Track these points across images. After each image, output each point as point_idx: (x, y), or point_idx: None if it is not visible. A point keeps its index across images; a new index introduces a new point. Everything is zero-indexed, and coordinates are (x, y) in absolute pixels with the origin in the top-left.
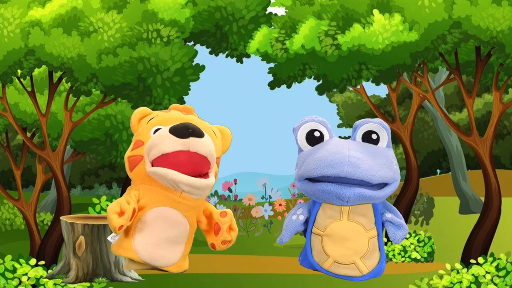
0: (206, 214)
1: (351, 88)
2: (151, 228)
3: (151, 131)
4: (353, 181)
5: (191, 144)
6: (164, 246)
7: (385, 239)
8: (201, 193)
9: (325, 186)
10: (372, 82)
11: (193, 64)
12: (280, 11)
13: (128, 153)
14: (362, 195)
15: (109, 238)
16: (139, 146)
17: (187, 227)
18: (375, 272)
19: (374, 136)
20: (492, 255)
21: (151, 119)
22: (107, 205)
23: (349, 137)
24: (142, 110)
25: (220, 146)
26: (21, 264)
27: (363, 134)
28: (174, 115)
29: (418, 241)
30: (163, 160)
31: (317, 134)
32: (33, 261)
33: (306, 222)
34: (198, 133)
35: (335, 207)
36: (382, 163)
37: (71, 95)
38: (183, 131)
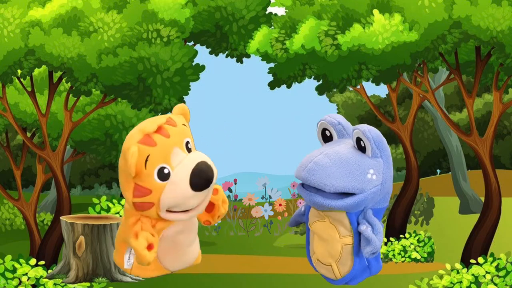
0: None
1: (351, 88)
2: (174, 243)
3: (155, 174)
4: (309, 187)
5: (208, 192)
6: (189, 250)
7: (385, 239)
8: None
9: (298, 188)
10: (372, 82)
11: (193, 64)
12: (280, 11)
13: (131, 199)
14: (314, 202)
15: (125, 264)
16: (146, 194)
17: (196, 222)
18: (347, 278)
19: (362, 144)
20: (492, 255)
21: (146, 160)
22: (107, 205)
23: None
24: (135, 154)
25: (190, 130)
26: (21, 264)
27: (355, 140)
28: (166, 146)
29: (418, 241)
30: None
31: (327, 133)
32: (33, 261)
33: None
34: (214, 176)
35: None
36: (348, 172)
37: (71, 95)
38: (205, 185)
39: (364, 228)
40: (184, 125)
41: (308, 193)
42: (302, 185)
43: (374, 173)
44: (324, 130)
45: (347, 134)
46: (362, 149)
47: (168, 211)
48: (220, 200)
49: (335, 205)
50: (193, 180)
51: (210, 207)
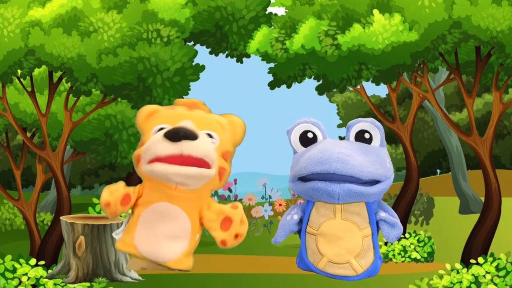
0: (213, 210)
1: (351, 88)
2: (150, 223)
3: (153, 130)
4: (342, 178)
5: (184, 147)
6: (163, 241)
7: (385, 240)
8: (195, 183)
9: (315, 184)
10: (372, 82)
11: (193, 64)
12: (280, 11)
13: (135, 152)
14: (351, 191)
15: (113, 234)
16: (141, 146)
17: (187, 222)
18: (370, 271)
19: (366, 136)
20: (492, 255)
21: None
22: None
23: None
24: (147, 109)
25: (229, 138)
26: (21, 264)
27: (355, 134)
28: (178, 112)
29: (418, 241)
30: (157, 162)
31: (310, 135)
32: (33, 261)
33: (301, 222)
34: (191, 136)
35: (328, 205)
36: (373, 160)
37: (71, 95)
38: (174, 135)
39: (385, 214)
40: (221, 125)
41: (339, 183)
42: (304, 180)
43: (389, 161)
44: (305, 132)
45: (326, 135)
46: (366, 141)
47: (150, 162)
48: (239, 217)
49: (372, 191)
50: (167, 130)
51: (227, 223)
